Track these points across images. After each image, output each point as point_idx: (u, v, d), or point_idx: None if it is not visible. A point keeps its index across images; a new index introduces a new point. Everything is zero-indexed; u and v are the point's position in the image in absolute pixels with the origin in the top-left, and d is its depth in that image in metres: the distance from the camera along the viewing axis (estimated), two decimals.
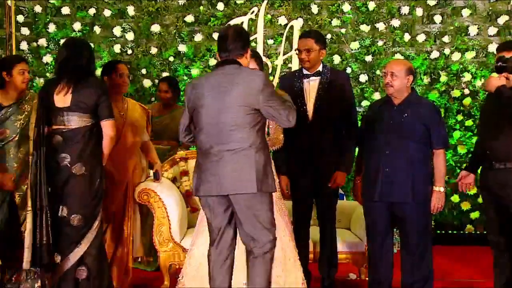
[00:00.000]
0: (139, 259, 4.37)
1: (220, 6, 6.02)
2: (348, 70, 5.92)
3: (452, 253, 5.42)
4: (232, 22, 5.96)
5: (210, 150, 3.11)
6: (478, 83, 5.87)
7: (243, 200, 3.08)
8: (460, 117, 5.88)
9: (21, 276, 3.51)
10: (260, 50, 5.91)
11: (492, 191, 3.67)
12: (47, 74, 6.00)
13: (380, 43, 5.96)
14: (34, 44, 6.12)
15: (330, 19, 5.99)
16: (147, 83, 6.05)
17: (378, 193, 3.72)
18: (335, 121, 4.04)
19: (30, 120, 3.61)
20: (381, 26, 5.96)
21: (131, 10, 6.09)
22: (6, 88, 3.94)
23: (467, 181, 3.87)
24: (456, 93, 5.89)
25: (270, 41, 6.00)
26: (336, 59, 5.95)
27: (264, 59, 5.87)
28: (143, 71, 6.08)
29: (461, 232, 5.93)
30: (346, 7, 5.96)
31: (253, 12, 5.98)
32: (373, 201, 3.78)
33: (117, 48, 6.08)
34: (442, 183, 3.73)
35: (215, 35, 6.00)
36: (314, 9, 5.98)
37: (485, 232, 5.77)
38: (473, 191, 5.76)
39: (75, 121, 3.55)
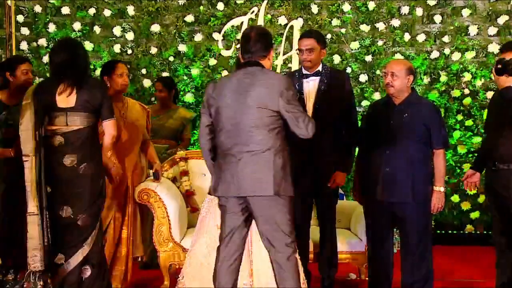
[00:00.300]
0: (139, 259, 4.38)
1: (220, 6, 6.02)
2: (348, 70, 5.92)
3: (452, 253, 5.41)
4: (232, 22, 5.97)
5: (229, 150, 3.11)
6: (478, 83, 5.87)
7: (261, 202, 3.08)
8: (460, 117, 5.88)
9: (24, 276, 3.50)
10: None
11: (496, 191, 3.68)
12: (47, 74, 5.99)
13: (380, 43, 5.96)
14: (34, 44, 6.12)
15: (330, 19, 5.99)
16: (147, 83, 6.05)
17: (378, 193, 3.72)
18: (335, 121, 4.03)
19: (20, 120, 3.50)
20: (381, 26, 5.96)
21: (131, 10, 6.09)
22: (10, 88, 3.99)
23: (472, 180, 3.88)
24: (456, 93, 5.89)
25: None
26: (336, 59, 5.95)
27: None
28: (143, 71, 6.08)
29: (461, 232, 5.92)
30: (346, 7, 5.96)
31: (253, 12, 5.98)
32: (373, 201, 3.78)
33: (117, 48, 6.08)
34: (442, 183, 3.73)
35: (215, 35, 6.01)
36: (314, 9, 5.98)
37: (485, 232, 5.79)
38: (473, 191, 5.78)
39: (79, 121, 3.54)
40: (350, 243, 4.31)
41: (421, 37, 5.94)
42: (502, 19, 5.89)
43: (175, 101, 5.52)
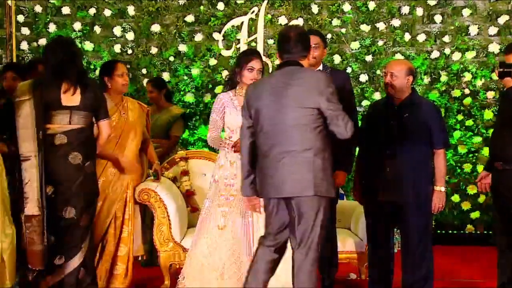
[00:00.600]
0: (139, 258, 4.38)
1: (221, 6, 6.02)
2: (349, 70, 5.92)
3: (453, 253, 5.41)
4: (232, 22, 5.96)
5: (269, 151, 3.11)
6: (479, 83, 5.87)
7: (300, 202, 3.08)
8: (460, 117, 5.88)
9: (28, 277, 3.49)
10: (260, 49, 5.90)
11: (499, 191, 3.68)
12: None
13: (380, 43, 5.96)
14: (35, 44, 6.11)
15: (330, 19, 5.99)
16: None
17: (378, 193, 3.72)
18: None
19: (17, 118, 3.44)
20: (381, 26, 5.96)
21: (131, 10, 6.09)
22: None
23: (486, 181, 3.88)
24: (456, 93, 5.89)
25: (270, 41, 6.00)
26: (337, 59, 5.94)
27: (264, 58, 5.86)
28: (143, 71, 6.08)
29: (462, 232, 5.92)
30: (347, 7, 5.96)
31: (253, 12, 5.97)
32: (374, 201, 3.78)
33: (117, 48, 6.08)
34: (442, 183, 3.73)
35: (215, 35, 6.01)
36: (315, 9, 5.98)
37: (485, 232, 5.80)
38: (474, 191, 5.79)
39: (82, 120, 3.55)
40: (350, 243, 4.30)
41: (421, 37, 5.94)
42: (503, 19, 5.89)
43: (170, 100, 5.54)
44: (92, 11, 6.11)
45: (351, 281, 4.56)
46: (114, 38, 6.10)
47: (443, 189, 3.73)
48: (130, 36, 6.08)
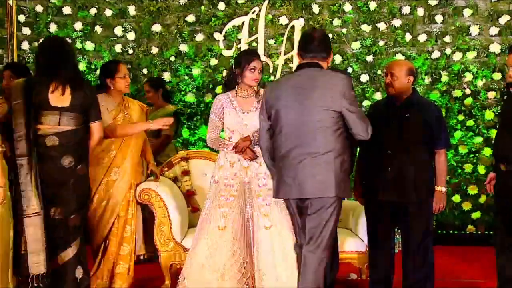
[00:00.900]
0: (141, 257, 4.39)
1: (221, 6, 6.02)
2: (349, 70, 5.92)
3: (453, 253, 5.41)
4: (233, 22, 5.97)
5: (289, 153, 3.13)
6: (479, 83, 5.87)
7: (320, 203, 3.12)
8: (461, 117, 5.87)
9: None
10: (261, 50, 5.92)
11: (503, 192, 3.67)
12: None
13: (381, 43, 5.96)
14: (35, 44, 6.11)
15: (331, 19, 5.99)
16: None
17: (379, 193, 3.72)
18: None
19: (14, 122, 3.42)
20: (382, 26, 5.96)
21: (132, 10, 6.09)
22: None
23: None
24: (457, 93, 5.88)
25: (271, 41, 6.00)
26: (337, 59, 5.94)
27: (265, 59, 5.88)
28: (144, 70, 6.08)
29: (462, 232, 5.92)
30: (347, 7, 5.96)
31: (254, 12, 5.99)
32: (374, 201, 3.78)
33: (118, 48, 6.08)
34: (443, 183, 3.73)
35: (216, 35, 6.01)
36: (315, 9, 5.98)
37: (486, 232, 5.79)
38: (474, 191, 5.78)
39: (72, 121, 3.53)
40: (351, 243, 4.29)
41: (422, 37, 5.94)
42: (504, 19, 5.89)
43: (168, 100, 5.54)
44: (93, 11, 6.11)
45: (351, 281, 4.56)
46: (115, 38, 6.11)
47: (444, 189, 3.73)
48: (131, 36, 6.08)
